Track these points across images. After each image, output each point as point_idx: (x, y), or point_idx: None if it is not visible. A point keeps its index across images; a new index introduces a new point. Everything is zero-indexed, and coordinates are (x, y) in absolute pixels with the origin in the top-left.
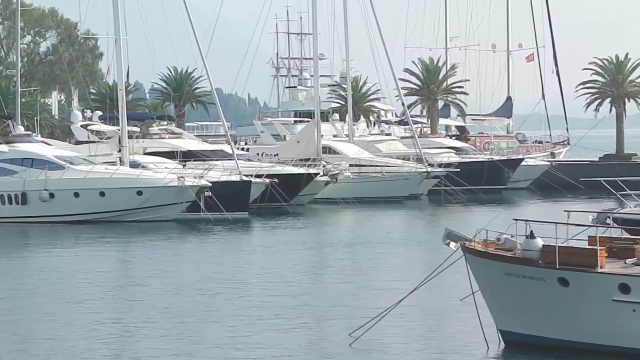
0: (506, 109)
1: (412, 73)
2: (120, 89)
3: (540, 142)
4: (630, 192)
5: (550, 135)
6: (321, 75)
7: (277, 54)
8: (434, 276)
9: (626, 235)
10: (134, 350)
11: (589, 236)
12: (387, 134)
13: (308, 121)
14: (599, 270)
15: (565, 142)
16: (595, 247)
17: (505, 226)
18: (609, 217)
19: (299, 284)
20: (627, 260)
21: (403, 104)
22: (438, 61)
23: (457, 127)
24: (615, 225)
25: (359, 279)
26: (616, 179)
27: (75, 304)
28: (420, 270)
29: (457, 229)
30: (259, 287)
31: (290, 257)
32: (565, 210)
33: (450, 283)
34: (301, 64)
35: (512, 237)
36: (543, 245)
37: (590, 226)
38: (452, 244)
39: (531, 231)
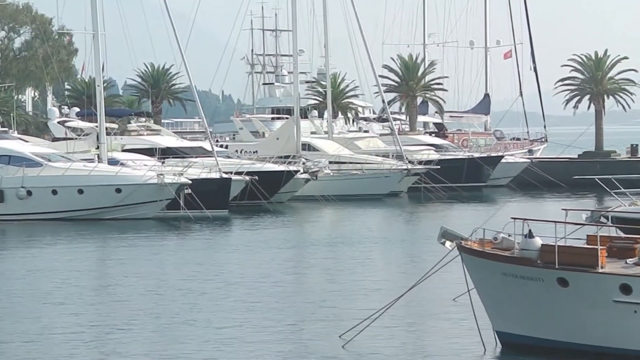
0: (484, 106)
1: (391, 70)
2: (98, 85)
3: (518, 139)
4: (624, 190)
5: (527, 132)
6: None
7: (252, 50)
8: (428, 276)
9: (621, 234)
10: (115, 353)
11: (588, 235)
12: (364, 131)
13: (286, 118)
14: (600, 270)
15: (543, 139)
16: (596, 247)
17: (502, 225)
18: (602, 216)
19: (285, 284)
20: (628, 260)
21: (383, 101)
22: (417, 58)
23: (435, 124)
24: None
25: (345, 278)
26: (610, 177)
27: (53, 305)
28: (407, 269)
29: (452, 228)
30: (244, 287)
31: (273, 256)
32: (562, 209)
33: (445, 283)
34: (276, 60)
35: (509, 236)
36: (542, 244)
37: (590, 225)
38: (448, 243)
39: (529, 230)
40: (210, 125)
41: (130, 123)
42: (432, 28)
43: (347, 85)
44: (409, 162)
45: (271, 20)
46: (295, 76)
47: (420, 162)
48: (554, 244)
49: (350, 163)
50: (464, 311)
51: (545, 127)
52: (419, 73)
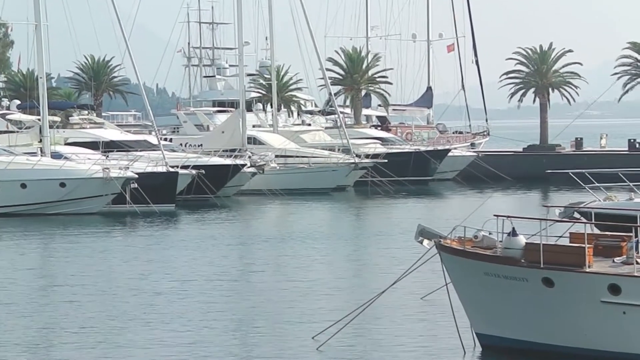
0: (426, 99)
1: (336, 63)
2: (40, 77)
3: (461, 132)
4: (598, 184)
5: (470, 125)
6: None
7: (189, 43)
8: (405, 276)
9: (597, 231)
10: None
11: (571, 233)
12: (307, 124)
13: (227, 111)
14: (587, 270)
15: (485, 133)
16: (583, 245)
17: (479, 223)
18: (576, 211)
19: (243, 283)
20: (616, 259)
21: (330, 94)
22: (361, 51)
23: (378, 117)
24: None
25: (305, 277)
26: (584, 171)
27: None
28: (368, 268)
29: (429, 225)
30: (200, 287)
31: (226, 253)
32: (544, 205)
33: (422, 283)
34: (213, 53)
35: (490, 234)
36: (526, 243)
37: (577, 222)
38: (426, 242)
39: (513, 228)
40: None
41: (72, 116)
42: (374, 21)
43: (291, 78)
44: (356, 155)
45: (208, 13)
46: (241, 69)
47: (367, 156)
48: (538, 242)
49: (297, 157)
50: (443, 312)
51: (487, 120)
52: (364, 66)
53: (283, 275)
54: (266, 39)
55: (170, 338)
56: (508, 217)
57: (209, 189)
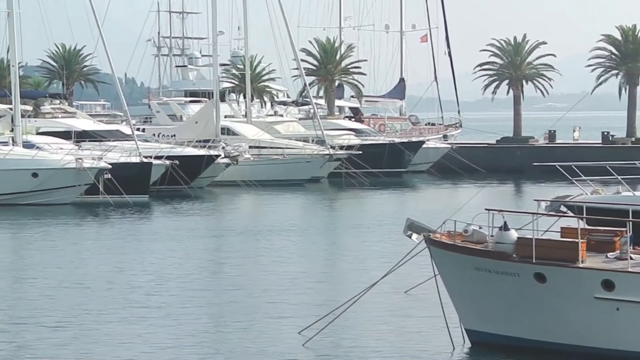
0: (399, 91)
1: (309, 53)
2: (13, 66)
3: (433, 124)
4: (585, 178)
5: (442, 117)
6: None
7: (159, 33)
8: (393, 270)
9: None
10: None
11: (562, 228)
12: (279, 115)
13: (200, 101)
14: (580, 265)
15: (458, 125)
16: (576, 240)
17: (469, 216)
18: (563, 205)
19: (222, 276)
20: (609, 254)
21: (305, 84)
22: (335, 41)
23: (350, 108)
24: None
25: (285, 270)
26: (570, 164)
27: None
28: (350, 261)
29: (418, 219)
30: (179, 280)
31: (203, 246)
32: (535, 200)
33: (410, 278)
34: (183, 43)
35: (480, 228)
36: (518, 237)
37: (571, 217)
38: (415, 236)
39: (505, 222)
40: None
41: (44, 105)
42: (348, 11)
43: (264, 69)
44: (331, 147)
45: (178, 2)
46: (215, 58)
47: (341, 147)
48: (530, 237)
49: (271, 148)
50: (431, 308)
51: (459, 112)
52: (338, 57)
53: (262, 269)
54: (238, 28)
55: (149, 334)
56: (500, 211)
57: (183, 180)
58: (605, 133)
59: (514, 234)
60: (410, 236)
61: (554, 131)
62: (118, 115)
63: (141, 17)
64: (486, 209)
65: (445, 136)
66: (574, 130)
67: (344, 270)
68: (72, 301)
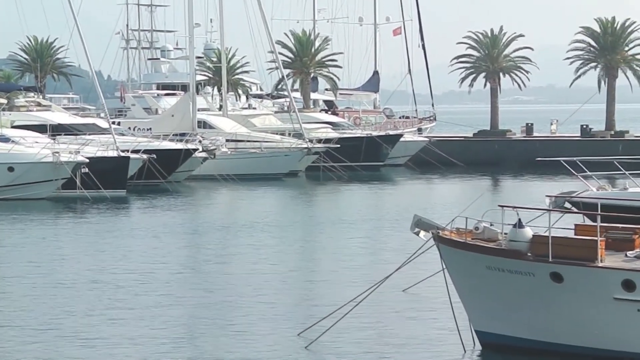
0: (373, 84)
1: (285, 46)
2: None
3: (407, 117)
4: (590, 173)
5: (416, 110)
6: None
7: (127, 25)
8: (399, 269)
9: (588, 222)
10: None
11: (576, 225)
12: (253, 108)
13: (174, 94)
14: (600, 264)
15: (432, 118)
16: (595, 238)
17: (478, 213)
18: (567, 201)
19: (209, 275)
20: (628, 253)
21: (283, 77)
22: (310, 34)
23: (325, 101)
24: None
25: (274, 268)
26: (575, 158)
27: None
28: (344, 258)
29: (426, 216)
30: (164, 279)
31: (185, 242)
32: (547, 196)
33: (416, 277)
34: (152, 36)
35: (491, 225)
36: (533, 235)
37: (588, 214)
38: (422, 233)
39: (519, 219)
40: (87, 102)
41: (18, 98)
42: (322, 3)
43: (238, 61)
44: (309, 140)
45: None
46: (191, 51)
47: (319, 141)
48: (546, 234)
49: (248, 141)
50: (440, 308)
51: (433, 105)
52: (313, 49)
53: (249, 267)
54: (211, 21)
55: (136, 337)
56: (514, 207)
57: (160, 174)
58: (584, 126)
59: (529, 232)
60: (417, 233)
61: (531, 124)
62: (87, 108)
63: (109, 10)
64: (499, 205)
65: (419, 129)
66: (552, 124)
67: (337, 268)
68: (49, 300)
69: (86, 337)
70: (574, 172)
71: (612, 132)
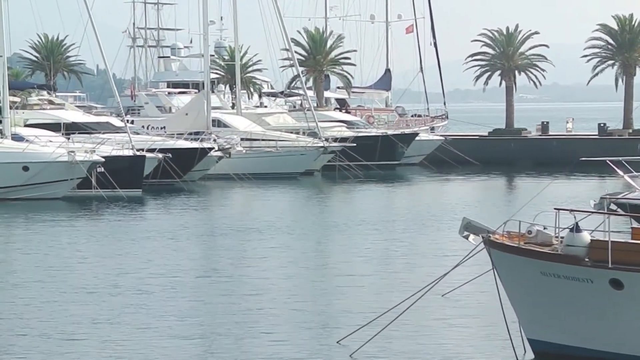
0: (385, 82)
1: (298, 43)
2: (1, 56)
3: (420, 115)
4: (637, 174)
5: (427, 109)
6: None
7: (134, 24)
8: (447, 274)
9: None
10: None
11: (633, 229)
12: (264, 107)
13: (186, 92)
14: None
15: (444, 116)
16: None
17: (529, 215)
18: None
19: (239, 280)
20: None
21: (298, 74)
22: (324, 31)
23: (337, 99)
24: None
25: (305, 273)
26: (621, 158)
27: None
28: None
29: (475, 219)
30: (191, 284)
31: (208, 245)
32: (603, 197)
33: (464, 282)
34: (158, 34)
35: (544, 228)
36: (591, 240)
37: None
38: (472, 237)
39: (576, 223)
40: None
41: (31, 97)
42: (333, 1)
43: (250, 59)
44: (325, 139)
45: None
46: (206, 49)
47: (335, 140)
48: (605, 239)
49: (263, 140)
50: (489, 315)
51: (445, 103)
52: (327, 47)
53: (279, 271)
54: (222, 19)
55: (170, 345)
56: (571, 210)
57: (176, 173)
58: (602, 125)
59: (586, 236)
60: (467, 237)
61: (547, 123)
62: (94, 107)
63: (114, 8)
64: (555, 208)
65: (432, 128)
66: (567, 122)
67: (370, 272)
68: (72, 307)
69: (115, 347)
70: (620, 172)
71: (630, 131)
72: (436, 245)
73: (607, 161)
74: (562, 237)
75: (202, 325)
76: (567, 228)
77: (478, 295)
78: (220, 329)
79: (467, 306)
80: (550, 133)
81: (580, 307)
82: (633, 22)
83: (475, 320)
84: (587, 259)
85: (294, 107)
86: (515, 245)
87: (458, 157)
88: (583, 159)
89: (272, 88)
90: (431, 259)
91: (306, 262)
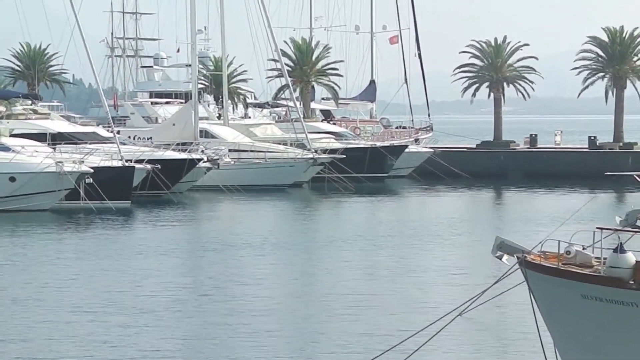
0: (369, 93)
1: (284, 54)
2: None
3: (404, 127)
4: None
5: (412, 120)
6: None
7: (112, 33)
8: (478, 297)
9: None
10: None
11: None
12: (247, 117)
13: (171, 102)
14: None
15: (429, 128)
16: None
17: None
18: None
19: (245, 299)
20: None
21: (288, 83)
22: (310, 42)
23: (321, 111)
24: None
25: (315, 289)
26: None
27: None
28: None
29: (510, 239)
30: (196, 303)
31: (208, 261)
32: (629, 212)
33: (497, 304)
34: (137, 44)
35: (584, 249)
36: (637, 261)
37: None
38: (506, 257)
39: (620, 243)
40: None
41: (15, 106)
42: (318, 11)
43: (235, 69)
44: (314, 151)
45: (131, 3)
46: (194, 58)
47: (324, 151)
48: None
49: (251, 151)
50: (523, 339)
51: (429, 115)
52: (314, 58)
53: (284, 289)
54: (205, 28)
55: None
56: (615, 230)
57: (164, 185)
58: (592, 137)
59: (631, 257)
60: (500, 257)
61: (535, 135)
62: (72, 117)
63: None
64: (598, 228)
65: (417, 140)
66: (556, 135)
67: (382, 291)
68: (68, 327)
69: None
70: None
71: (621, 144)
72: (442, 263)
73: (635, 176)
74: (604, 258)
75: (208, 347)
76: (608, 248)
77: (516, 317)
78: (234, 351)
79: (500, 329)
80: (538, 146)
81: (622, 332)
82: (624, 34)
83: (509, 343)
84: (631, 282)
85: (279, 118)
86: (554, 266)
87: (447, 170)
88: (608, 173)
89: (255, 99)
90: (443, 277)
91: (309, 280)
